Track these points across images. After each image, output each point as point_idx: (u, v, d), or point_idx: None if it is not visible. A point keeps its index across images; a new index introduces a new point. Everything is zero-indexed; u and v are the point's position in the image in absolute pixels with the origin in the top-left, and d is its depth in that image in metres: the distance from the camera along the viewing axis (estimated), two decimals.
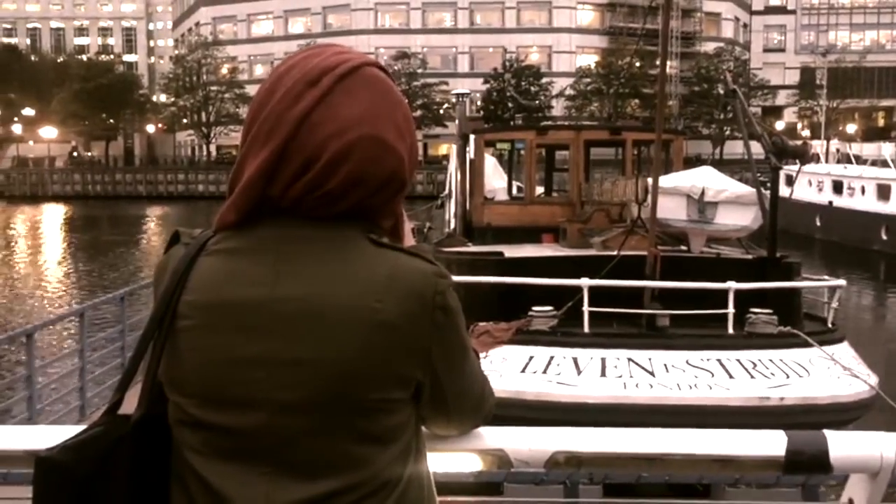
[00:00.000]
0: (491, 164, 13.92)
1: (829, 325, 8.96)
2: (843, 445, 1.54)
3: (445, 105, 62.23)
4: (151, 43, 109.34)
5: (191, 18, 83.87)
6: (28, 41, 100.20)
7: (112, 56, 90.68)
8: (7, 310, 21.87)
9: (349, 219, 1.16)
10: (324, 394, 1.12)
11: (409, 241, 1.28)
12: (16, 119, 75.33)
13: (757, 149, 10.34)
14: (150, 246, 38.20)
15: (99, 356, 10.15)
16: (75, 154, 77.95)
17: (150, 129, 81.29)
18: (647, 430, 1.55)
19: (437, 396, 1.22)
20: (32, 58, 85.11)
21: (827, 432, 1.55)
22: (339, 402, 1.12)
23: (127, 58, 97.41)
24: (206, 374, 1.14)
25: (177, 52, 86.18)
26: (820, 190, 35.76)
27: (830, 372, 7.90)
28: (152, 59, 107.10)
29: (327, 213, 1.15)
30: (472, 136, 12.61)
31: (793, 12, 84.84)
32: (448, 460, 1.42)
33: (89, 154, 79.53)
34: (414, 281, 1.14)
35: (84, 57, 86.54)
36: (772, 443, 1.53)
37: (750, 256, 9.63)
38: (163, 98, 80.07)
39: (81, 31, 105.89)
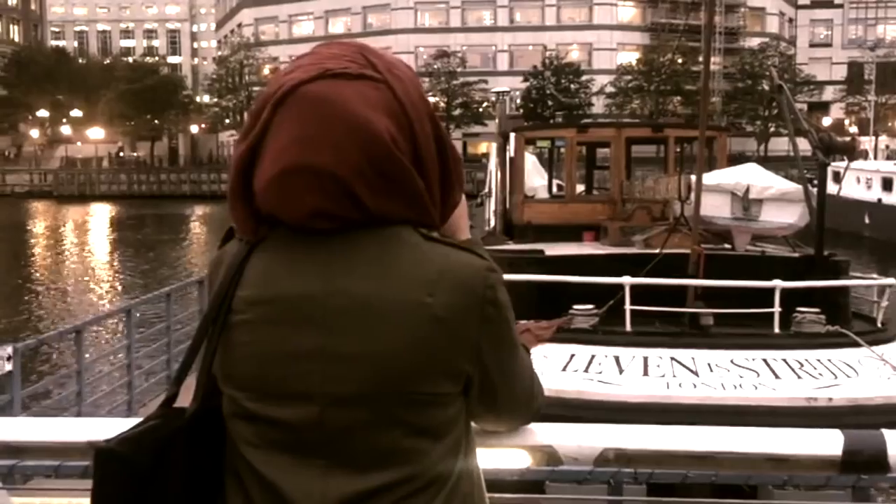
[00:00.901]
0: (531, 162, 13.87)
1: (879, 325, 8.77)
2: None
3: (485, 103, 62.15)
4: (195, 44, 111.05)
5: (233, 20, 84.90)
6: (76, 43, 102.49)
7: (157, 58, 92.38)
8: (58, 307, 22.39)
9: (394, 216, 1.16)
10: (376, 387, 1.13)
11: (466, 233, 1.28)
12: (64, 120, 77.06)
13: (803, 145, 10.15)
14: (194, 244, 38.80)
15: (146, 352, 10.36)
16: (121, 154, 79.46)
17: (194, 129, 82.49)
18: (699, 427, 1.53)
19: (487, 391, 1.22)
20: (80, 60, 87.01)
21: (886, 431, 1.52)
22: (391, 396, 1.13)
23: (171, 59, 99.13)
24: (260, 367, 1.16)
25: (220, 53, 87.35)
26: (869, 187, 35.03)
27: (880, 372, 7.72)
28: (196, 60, 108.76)
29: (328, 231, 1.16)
30: (512, 135, 12.58)
31: (840, 6, 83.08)
32: (497, 456, 1.42)
33: (135, 154, 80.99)
34: (465, 275, 1.15)
35: (130, 59, 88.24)
36: (828, 442, 1.51)
37: (796, 254, 9.46)
38: (206, 99, 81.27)
39: (127, 34, 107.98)
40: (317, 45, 1.23)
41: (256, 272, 1.18)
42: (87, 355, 8.78)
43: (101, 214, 55.24)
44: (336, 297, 1.13)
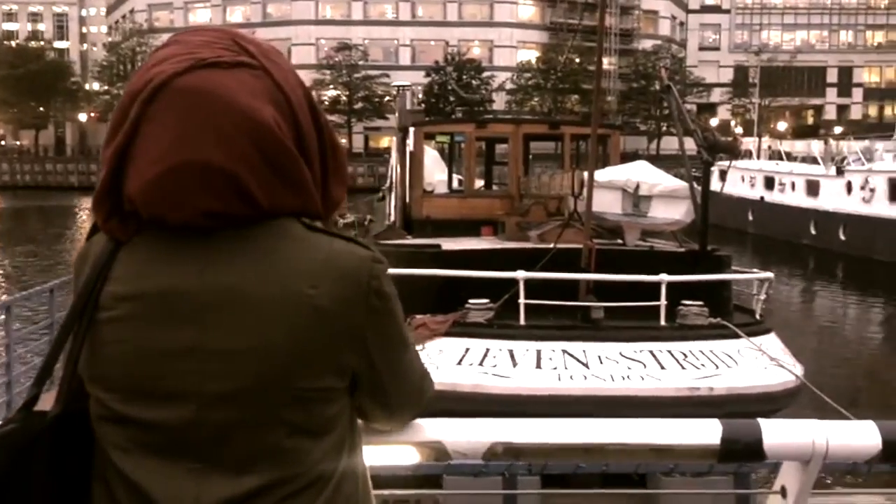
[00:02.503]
0: (432, 156, 13.92)
1: (758, 317, 9.21)
2: (776, 433, 1.57)
3: (387, 98, 61.96)
4: (84, 29, 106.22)
5: (125, 5, 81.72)
6: None
7: (42, 42, 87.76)
8: None
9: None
10: (254, 384, 1.08)
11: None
12: None
13: (691, 145, 10.56)
14: (82, 238, 37.17)
15: (27, 351, 9.86)
16: (2, 143, 75.38)
17: (83, 118, 79.02)
18: (584, 420, 1.56)
19: (375, 385, 1.19)
20: None
21: (761, 420, 1.58)
22: (272, 393, 1.09)
23: (58, 44, 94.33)
24: (131, 367, 1.10)
25: (110, 39, 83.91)
26: (752, 185, 36.74)
27: (758, 363, 8.13)
28: (85, 46, 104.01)
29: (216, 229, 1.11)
30: (411, 129, 12.59)
31: (727, 11, 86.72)
32: (385, 453, 1.41)
33: (18, 143, 76.97)
34: (349, 266, 1.12)
35: (13, 43, 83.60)
36: (707, 431, 1.56)
37: (682, 249, 9.83)
38: (96, 86, 77.93)
39: (10, 17, 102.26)
40: (181, 32, 1.17)
41: (126, 267, 1.12)
42: None
43: None
44: (212, 293, 1.08)
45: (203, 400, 1.09)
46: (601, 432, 1.55)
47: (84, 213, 48.74)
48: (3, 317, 9.21)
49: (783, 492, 1.69)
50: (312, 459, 1.12)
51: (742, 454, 1.58)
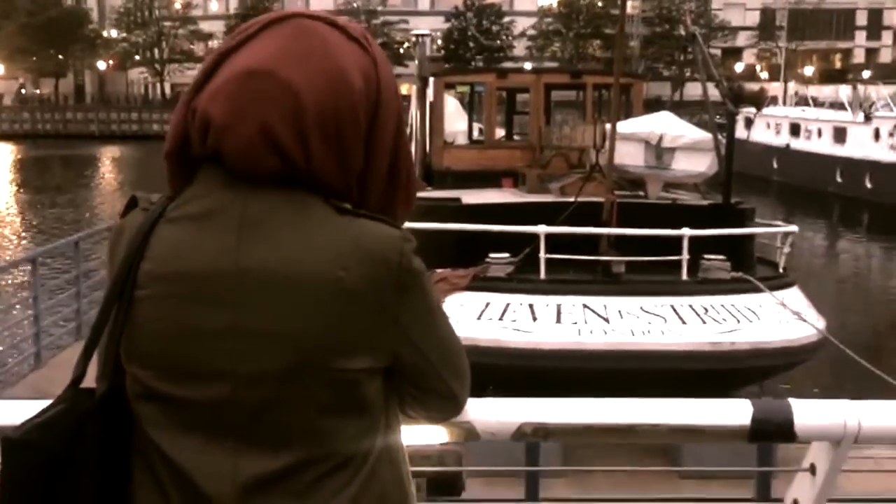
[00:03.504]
0: (453, 105, 13.79)
1: (781, 271, 9.16)
2: (807, 413, 1.55)
3: (406, 44, 61.29)
4: None
5: None
6: None
7: None
8: None
9: (303, 185, 1.12)
10: (290, 365, 1.10)
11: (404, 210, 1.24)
12: None
13: (715, 92, 10.39)
14: (103, 187, 37.45)
15: (54, 302, 10.03)
16: (22, 91, 75.51)
17: (101, 65, 78.85)
18: (614, 400, 1.55)
19: (413, 365, 1.19)
20: None
21: (792, 401, 1.56)
22: (306, 374, 1.10)
23: None
24: (168, 345, 1.11)
25: None
26: (778, 132, 36.14)
27: (780, 317, 8.10)
28: None
29: (259, 170, 1.10)
30: (431, 79, 12.45)
31: None
32: (414, 432, 1.39)
33: (38, 91, 77.08)
34: (378, 246, 1.12)
35: None
36: (737, 412, 1.54)
37: (705, 203, 9.75)
38: (114, 33, 77.57)
39: None
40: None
41: (162, 244, 1.13)
42: None
43: (1, 155, 52.66)
44: (247, 272, 1.09)
45: (238, 379, 1.10)
46: (631, 413, 1.55)
47: (104, 161, 49.03)
48: (29, 268, 9.35)
49: (812, 469, 1.68)
50: (347, 438, 1.13)
51: (772, 435, 1.57)
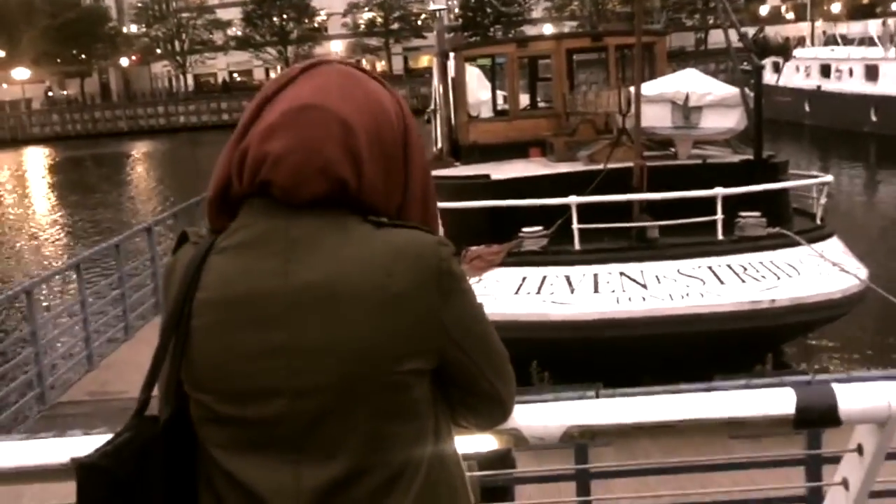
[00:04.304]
0: (475, 75, 13.69)
1: (819, 222, 9.04)
2: (851, 398, 1.56)
3: (423, 15, 60.71)
4: None
5: None
6: None
7: None
8: (5, 264, 21.84)
9: (342, 205, 1.19)
10: (344, 375, 1.15)
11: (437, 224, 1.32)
12: None
13: (741, 44, 10.19)
14: (138, 183, 37.91)
15: (100, 305, 10.27)
16: (50, 94, 76.38)
17: (124, 62, 79.40)
18: (658, 397, 1.58)
19: (461, 368, 1.24)
20: None
21: (835, 386, 1.57)
22: (360, 382, 1.15)
23: None
24: (226, 369, 1.17)
25: None
26: (808, 75, 35.35)
27: (820, 269, 8.01)
28: None
29: (304, 194, 1.18)
30: (451, 54, 12.40)
31: None
32: (463, 441, 1.41)
33: (64, 93, 77.90)
34: (419, 251, 1.18)
35: None
36: (780, 401, 1.56)
37: (736, 160, 9.62)
38: (133, 29, 77.97)
39: None
40: None
41: (213, 273, 1.19)
42: (40, 315, 8.70)
43: (36, 159, 53.45)
44: (297, 291, 1.15)
45: (295, 394, 1.15)
46: (675, 408, 1.57)
47: (136, 157, 49.55)
48: (74, 275, 9.58)
49: (860, 449, 1.70)
50: (399, 444, 1.18)
51: (817, 421, 1.58)
